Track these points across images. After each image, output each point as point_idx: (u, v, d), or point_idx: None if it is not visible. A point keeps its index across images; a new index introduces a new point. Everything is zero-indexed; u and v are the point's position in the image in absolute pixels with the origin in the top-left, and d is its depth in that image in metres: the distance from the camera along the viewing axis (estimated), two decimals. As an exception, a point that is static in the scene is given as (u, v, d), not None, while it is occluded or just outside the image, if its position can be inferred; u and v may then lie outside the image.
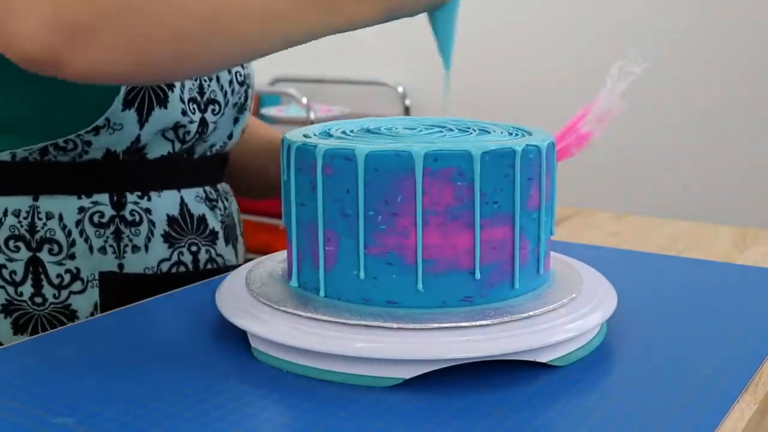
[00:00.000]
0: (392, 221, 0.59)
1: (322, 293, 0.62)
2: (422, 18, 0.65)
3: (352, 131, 0.67)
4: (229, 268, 0.87)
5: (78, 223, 0.77)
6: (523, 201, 0.60)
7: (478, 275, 0.59)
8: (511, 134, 0.65)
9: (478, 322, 0.57)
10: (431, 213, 0.58)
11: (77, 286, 0.77)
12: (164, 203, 0.81)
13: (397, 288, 0.60)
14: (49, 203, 0.77)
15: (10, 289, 0.76)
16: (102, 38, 0.56)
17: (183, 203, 0.83)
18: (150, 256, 0.80)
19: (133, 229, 0.79)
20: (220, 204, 0.87)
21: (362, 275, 0.60)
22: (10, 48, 0.57)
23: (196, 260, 0.84)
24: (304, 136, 0.64)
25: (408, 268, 0.59)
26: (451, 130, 0.67)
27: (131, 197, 0.79)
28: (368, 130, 0.67)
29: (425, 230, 0.58)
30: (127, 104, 0.75)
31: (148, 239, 0.80)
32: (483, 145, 0.58)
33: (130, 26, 0.57)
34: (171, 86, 0.78)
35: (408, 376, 0.56)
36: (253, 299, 0.63)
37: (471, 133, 0.65)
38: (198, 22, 0.57)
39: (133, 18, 0.57)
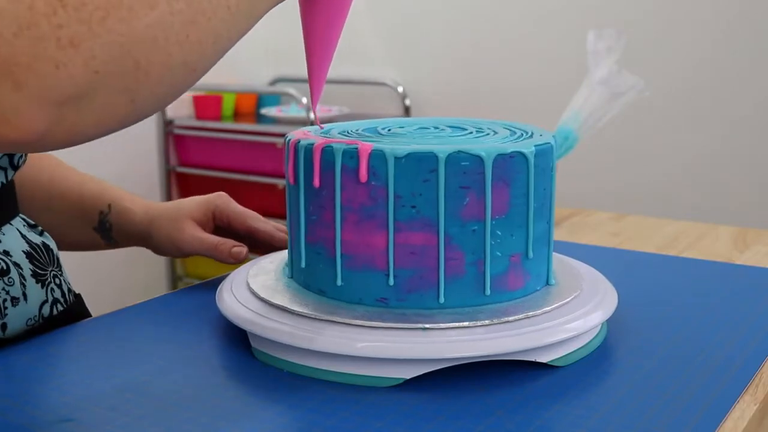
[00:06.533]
0: (320, 213, 0.61)
1: (288, 274, 0.66)
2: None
3: (356, 131, 0.67)
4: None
5: None
6: (452, 210, 0.58)
7: (391, 279, 0.59)
8: (503, 138, 0.63)
9: (478, 322, 0.57)
10: (348, 209, 0.59)
11: None
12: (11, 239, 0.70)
13: (323, 278, 0.62)
14: None
15: None
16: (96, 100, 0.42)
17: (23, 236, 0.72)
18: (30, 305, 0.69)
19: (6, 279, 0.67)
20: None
21: (303, 263, 0.63)
22: None
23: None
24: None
25: (331, 261, 0.61)
26: (442, 130, 0.67)
27: None
28: (375, 130, 0.68)
29: (343, 226, 0.60)
30: None
31: (23, 285, 0.69)
32: (400, 148, 0.58)
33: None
34: None
35: (408, 376, 0.56)
36: (253, 298, 0.63)
37: (465, 134, 0.65)
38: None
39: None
